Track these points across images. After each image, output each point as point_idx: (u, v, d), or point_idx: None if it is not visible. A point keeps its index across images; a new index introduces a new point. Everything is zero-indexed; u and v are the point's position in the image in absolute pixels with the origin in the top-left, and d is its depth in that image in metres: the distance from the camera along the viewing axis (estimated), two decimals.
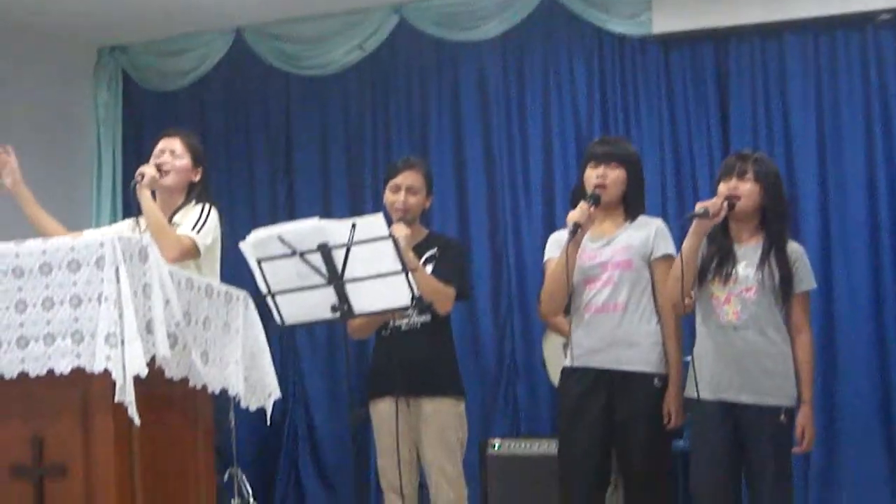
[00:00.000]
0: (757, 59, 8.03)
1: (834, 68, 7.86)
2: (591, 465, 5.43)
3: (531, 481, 7.09)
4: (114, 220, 8.78)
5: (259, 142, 9.34)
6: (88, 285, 3.98)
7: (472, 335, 8.36)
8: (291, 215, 8.64)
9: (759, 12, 7.89)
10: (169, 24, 9.06)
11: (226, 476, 7.31)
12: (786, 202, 5.48)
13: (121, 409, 3.90)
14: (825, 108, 7.84)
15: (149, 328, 4.03)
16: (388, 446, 5.57)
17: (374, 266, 4.53)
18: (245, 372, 4.65)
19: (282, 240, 4.55)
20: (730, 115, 8.08)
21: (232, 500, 6.85)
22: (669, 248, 5.45)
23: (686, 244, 5.25)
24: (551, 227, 7.31)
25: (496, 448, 7.38)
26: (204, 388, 4.41)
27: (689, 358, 5.38)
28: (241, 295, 4.72)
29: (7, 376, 4.03)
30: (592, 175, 5.50)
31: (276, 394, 4.85)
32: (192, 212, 5.48)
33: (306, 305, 4.67)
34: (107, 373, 3.88)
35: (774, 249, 5.25)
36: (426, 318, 5.66)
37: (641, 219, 5.55)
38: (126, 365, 3.88)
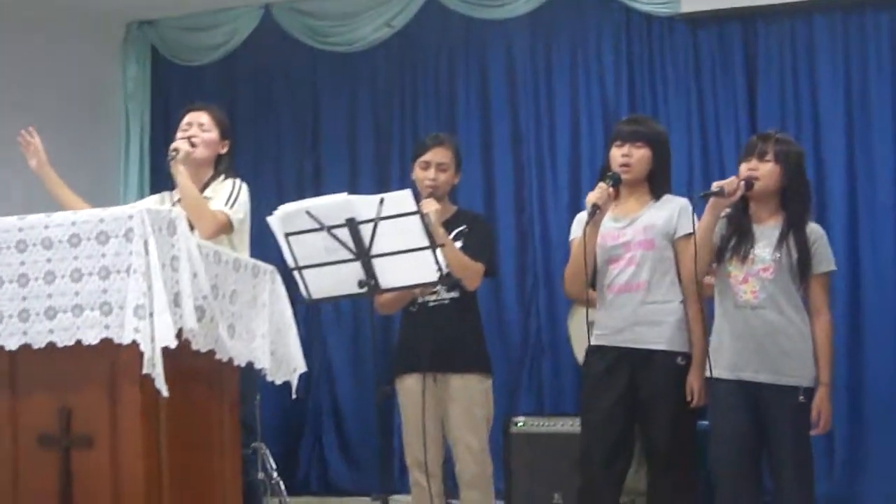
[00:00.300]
0: (785, 38, 8.01)
1: (863, 49, 7.83)
2: (611, 440, 5.42)
3: (555, 459, 7.10)
4: (141, 194, 8.82)
5: (286, 117, 9.36)
6: (117, 257, 4.00)
7: (496, 313, 8.37)
8: (318, 191, 8.64)
9: None
10: (198, 0, 9.07)
11: (250, 450, 7.33)
12: (807, 183, 5.43)
13: (148, 380, 3.93)
14: (853, 88, 7.81)
15: (176, 301, 4.04)
16: (414, 422, 5.57)
17: (402, 241, 4.54)
18: (271, 346, 4.66)
19: (310, 214, 4.56)
20: (757, 95, 8.06)
21: (256, 475, 6.86)
22: (692, 227, 5.43)
23: (701, 222, 5.25)
24: (577, 205, 7.28)
25: (520, 426, 7.39)
26: (230, 361, 4.42)
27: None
28: (268, 269, 4.72)
29: (35, 346, 4.06)
30: (617, 154, 5.49)
31: (302, 368, 4.86)
32: (222, 187, 5.50)
33: (333, 280, 4.68)
34: (134, 345, 3.90)
35: (793, 230, 5.22)
36: (454, 294, 5.67)
37: (666, 198, 5.52)
38: (154, 337, 3.90)
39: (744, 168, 5.28)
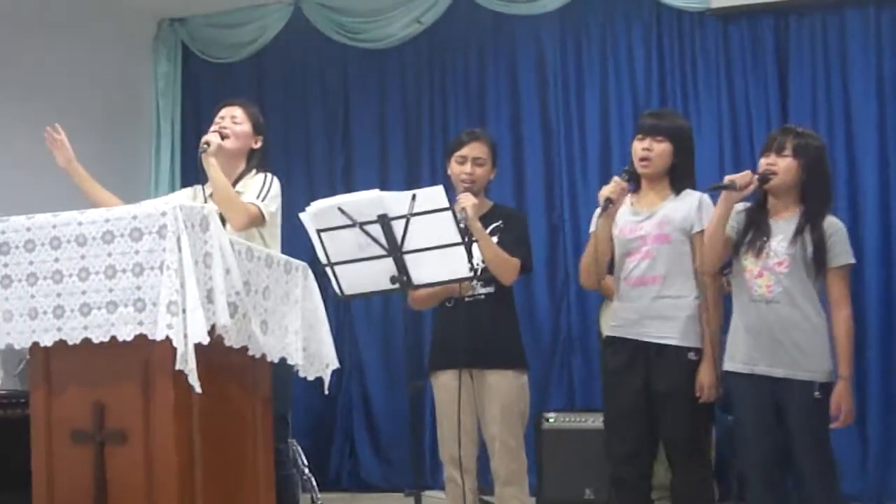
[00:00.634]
0: (817, 33, 7.99)
1: (894, 42, 7.79)
2: (633, 435, 5.41)
3: (586, 455, 7.10)
4: (172, 190, 8.82)
5: (317, 114, 9.38)
6: (150, 254, 4.01)
7: (527, 308, 8.36)
8: (348, 187, 8.66)
9: None
10: None
11: (285, 444, 7.35)
12: (827, 178, 5.37)
13: (181, 376, 3.94)
14: (886, 82, 7.78)
15: (209, 297, 4.05)
16: (449, 419, 5.56)
17: (434, 237, 4.55)
18: (303, 342, 4.67)
19: (342, 211, 4.57)
20: (789, 89, 8.04)
21: (290, 469, 6.88)
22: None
23: (713, 215, 5.24)
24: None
25: (551, 422, 7.39)
26: (263, 357, 4.44)
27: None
28: (300, 265, 4.74)
29: (70, 342, 4.08)
30: (638, 147, 5.49)
31: (335, 364, 4.87)
32: (253, 181, 5.50)
33: (365, 276, 4.70)
34: (168, 341, 3.91)
35: (810, 224, 5.18)
36: (490, 289, 5.66)
37: (686, 193, 5.51)
38: (187, 333, 3.91)
39: (762, 162, 5.27)
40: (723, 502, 6.98)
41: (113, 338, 4.02)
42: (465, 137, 5.79)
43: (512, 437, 5.60)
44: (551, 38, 8.71)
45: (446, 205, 4.55)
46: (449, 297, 5.65)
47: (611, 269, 5.63)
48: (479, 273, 5.61)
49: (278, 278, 4.57)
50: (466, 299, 5.62)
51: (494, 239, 5.59)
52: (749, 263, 5.24)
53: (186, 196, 5.66)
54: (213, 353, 4.06)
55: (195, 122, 9.22)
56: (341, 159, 9.27)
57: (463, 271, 4.72)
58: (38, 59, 8.37)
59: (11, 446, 4.81)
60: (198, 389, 3.95)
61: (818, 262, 5.13)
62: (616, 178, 5.38)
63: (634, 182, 5.55)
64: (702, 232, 5.34)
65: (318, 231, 4.64)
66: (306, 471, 7.72)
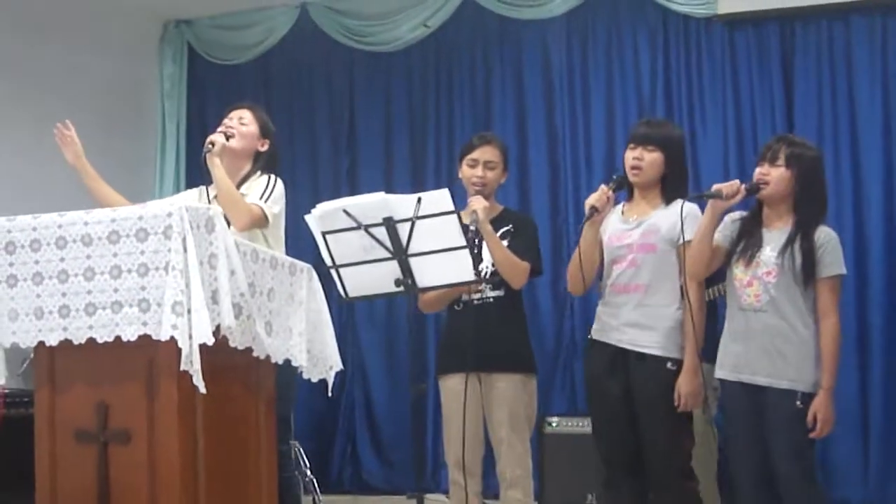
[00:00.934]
0: (823, 39, 7.99)
1: None
2: (619, 440, 5.46)
3: (588, 460, 7.08)
4: (177, 191, 8.83)
5: (322, 116, 9.39)
6: (156, 254, 4.02)
7: (531, 313, 8.25)
8: (353, 190, 8.68)
9: None
10: None
11: (287, 446, 7.35)
12: (821, 188, 5.37)
13: (185, 377, 3.95)
14: (891, 89, 7.77)
15: (214, 298, 4.06)
16: (456, 422, 5.57)
17: (439, 241, 4.56)
18: (308, 344, 4.69)
19: (347, 213, 4.59)
20: (794, 96, 8.04)
21: (293, 471, 6.89)
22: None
23: (700, 223, 5.26)
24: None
25: (554, 426, 7.39)
26: (267, 358, 4.45)
27: None
28: (304, 267, 4.75)
29: (75, 342, 4.08)
30: (629, 156, 5.54)
31: (338, 366, 4.89)
32: (258, 182, 5.51)
33: (370, 279, 4.71)
34: (172, 341, 3.92)
35: (801, 234, 5.19)
36: (499, 292, 5.69)
37: (677, 202, 5.53)
38: (192, 334, 3.92)
39: (756, 172, 5.29)
40: None
41: (117, 338, 4.03)
42: (477, 141, 5.82)
43: (519, 441, 5.62)
44: (557, 42, 8.71)
45: (451, 208, 4.57)
46: (458, 300, 5.67)
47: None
48: (488, 276, 5.63)
49: (283, 280, 4.59)
50: (475, 302, 5.64)
51: (505, 243, 5.62)
52: (739, 272, 5.27)
53: (192, 197, 5.67)
54: (218, 354, 4.07)
55: (200, 123, 9.24)
56: (346, 161, 9.27)
57: (468, 275, 4.73)
58: (44, 59, 8.39)
59: (15, 445, 4.83)
60: (202, 390, 3.96)
61: (807, 272, 5.13)
62: (603, 187, 5.45)
63: (626, 191, 5.61)
64: (689, 242, 5.36)
65: (324, 233, 4.65)
66: (308, 472, 7.73)
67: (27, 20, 8.30)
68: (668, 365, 5.36)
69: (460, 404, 5.47)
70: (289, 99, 9.42)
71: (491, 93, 8.91)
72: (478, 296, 5.65)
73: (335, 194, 6.51)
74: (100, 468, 4.14)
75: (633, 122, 8.19)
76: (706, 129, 8.14)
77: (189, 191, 5.90)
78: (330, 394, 5.01)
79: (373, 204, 4.62)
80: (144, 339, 4.01)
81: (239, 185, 5.50)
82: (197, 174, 6.11)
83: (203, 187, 5.65)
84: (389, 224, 4.57)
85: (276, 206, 5.41)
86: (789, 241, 5.17)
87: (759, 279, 5.19)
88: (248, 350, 4.32)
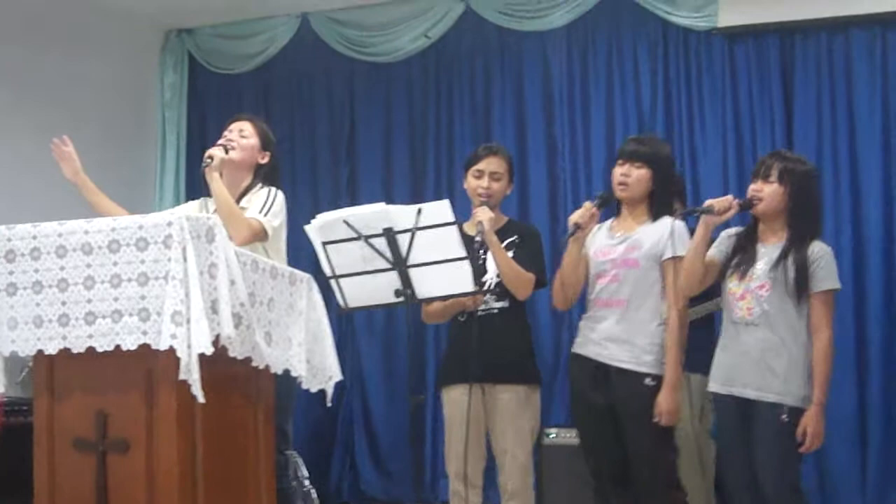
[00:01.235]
0: (822, 53, 7.98)
1: None
2: (604, 453, 5.52)
3: (587, 471, 7.08)
4: (177, 201, 8.85)
5: (322, 127, 9.38)
6: (156, 264, 4.03)
7: (530, 324, 8.34)
8: (353, 200, 8.68)
9: (824, 7, 7.85)
10: (235, 8, 9.14)
11: (284, 456, 7.34)
12: (815, 203, 5.42)
13: (184, 386, 3.96)
14: (891, 103, 7.77)
15: (214, 308, 4.07)
16: (458, 433, 5.59)
17: (439, 252, 4.58)
18: (307, 354, 4.69)
19: (347, 223, 4.60)
20: (794, 109, 8.04)
21: (290, 481, 6.89)
22: (680, 249, 5.43)
23: (693, 238, 5.31)
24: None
25: (552, 437, 7.39)
26: (266, 368, 4.45)
27: None
28: (304, 277, 4.75)
29: (75, 351, 4.10)
30: (617, 172, 5.61)
31: (338, 377, 4.89)
32: (258, 195, 5.52)
33: (370, 289, 4.73)
34: (172, 351, 3.93)
35: (794, 249, 5.21)
36: (504, 303, 5.71)
37: (664, 219, 5.55)
38: (191, 343, 3.93)
39: (750, 188, 5.32)
40: None
41: (117, 347, 4.03)
42: (483, 152, 5.84)
43: (522, 452, 5.65)
44: (557, 54, 8.71)
45: (452, 219, 4.58)
46: (462, 311, 5.68)
47: None
48: (492, 287, 5.65)
49: (283, 290, 4.59)
50: (479, 313, 5.65)
51: (510, 254, 5.63)
52: (733, 285, 5.30)
53: (195, 208, 5.68)
54: (217, 364, 4.08)
55: (201, 132, 9.26)
56: (346, 171, 9.26)
57: (467, 286, 4.75)
58: (45, 67, 8.39)
59: (14, 454, 4.83)
60: (201, 399, 3.97)
61: (799, 287, 5.15)
62: (587, 204, 5.52)
63: (615, 206, 5.67)
64: (672, 259, 5.41)
65: (324, 243, 4.66)
66: (307, 482, 7.70)
67: (27, 28, 8.30)
68: (647, 380, 5.39)
69: (463, 415, 5.49)
70: (289, 109, 9.42)
71: (491, 104, 8.91)
72: (482, 307, 5.67)
73: (335, 204, 6.54)
74: (98, 477, 4.15)
75: (632, 134, 8.23)
76: (706, 141, 8.14)
77: (190, 202, 5.91)
78: (329, 404, 5.01)
79: (373, 214, 4.63)
80: (144, 348, 4.02)
81: (239, 198, 5.51)
82: (197, 184, 6.12)
83: (204, 199, 5.66)
84: (389, 235, 4.58)
85: (275, 219, 5.42)
86: (783, 255, 5.19)
87: (752, 293, 5.22)
88: (248, 360, 4.32)
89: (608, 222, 5.69)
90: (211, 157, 5.42)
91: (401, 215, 4.59)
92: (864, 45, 7.86)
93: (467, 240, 5.33)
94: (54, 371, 4.25)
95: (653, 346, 5.42)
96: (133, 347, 4.03)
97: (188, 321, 3.95)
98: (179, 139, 9.44)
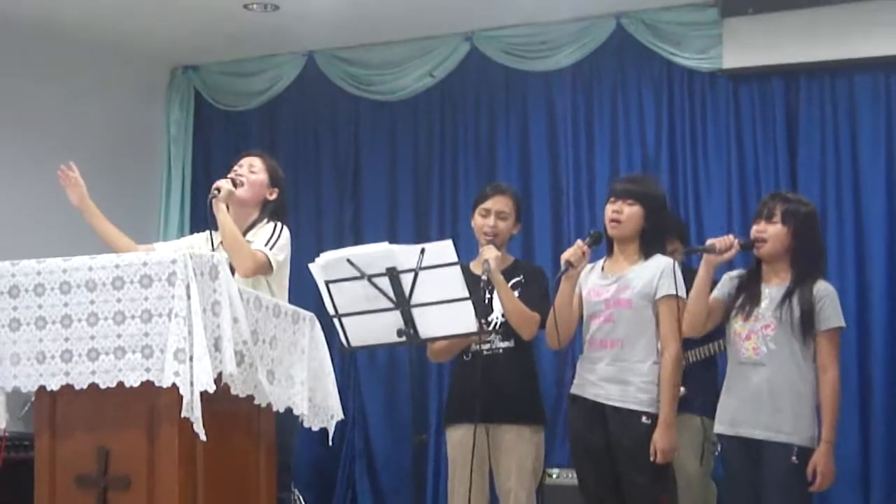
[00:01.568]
0: (827, 96, 8.00)
1: None
2: (606, 493, 5.51)
3: None
4: (181, 236, 8.84)
5: (327, 164, 9.40)
6: (159, 301, 4.03)
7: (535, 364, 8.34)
8: (357, 238, 8.70)
9: (829, 50, 7.87)
10: (242, 46, 9.17)
11: (287, 494, 7.33)
12: (818, 243, 5.46)
13: (187, 424, 3.95)
14: (895, 146, 7.78)
15: (217, 345, 4.07)
16: (461, 474, 5.59)
17: (442, 292, 4.58)
18: (309, 392, 4.68)
19: (350, 262, 4.61)
20: (798, 151, 8.05)
21: None
22: (673, 288, 5.44)
23: (697, 277, 5.33)
24: None
25: (554, 477, 7.38)
26: (268, 406, 4.45)
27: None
28: (307, 315, 4.75)
29: (77, 387, 4.09)
30: (609, 210, 5.62)
31: (339, 415, 4.89)
32: (264, 230, 5.53)
33: (372, 328, 4.73)
34: (174, 388, 3.93)
35: (798, 288, 5.23)
36: (509, 343, 5.72)
37: (655, 258, 5.57)
38: (194, 381, 3.93)
39: (753, 230, 5.34)
40: None
41: (119, 383, 4.03)
42: (490, 191, 5.87)
43: (524, 493, 5.66)
44: (563, 94, 8.73)
45: (455, 259, 4.59)
46: (467, 350, 5.68)
47: None
48: (498, 326, 5.66)
49: (286, 328, 4.59)
50: (484, 353, 5.65)
51: (516, 293, 5.64)
52: (738, 326, 5.32)
53: (200, 241, 5.70)
54: (219, 402, 4.08)
55: (206, 169, 9.28)
56: (350, 210, 9.27)
57: (470, 326, 4.75)
58: (51, 103, 8.44)
59: (15, 489, 4.82)
60: (203, 437, 3.96)
61: (805, 326, 5.17)
62: (578, 242, 5.56)
63: (606, 246, 5.70)
64: (665, 298, 5.44)
65: (327, 282, 4.67)
66: None
67: (34, 63, 8.35)
68: (643, 419, 5.40)
69: (467, 457, 5.49)
70: (294, 146, 9.44)
71: (496, 143, 8.92)
72: (487, 346, 5.68)
73: (339, 243, 6.54)
74: None
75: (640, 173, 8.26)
76: (710, 182, 8.15)
77: (197, 235, 5.92)
78: (331, 443, 5.01)
79: (376, 254, 4.64)
80: (146, 385, 4.02)
81: (245, 233, 5.52)
82: (201, 219, 6.13)
83: (209, 232, 5.67)
84: (393, 274, 4.59)
85: (281, 253, 5.43)
86: (787, 295, 5.21)
87: (758, 332, 5.23)
88: (250, 398, 4.32)
89: (600, 262, 5.70)
90: (218, 189, 5.44)
91: (404, 255, 4.59)
92: (868, 89, 7.88)
93: (473, 279, 5.36)
94: (56, 407, 4.25)
95: (648, 385, 5.43)
96: (136, 384, 4.02)
97: (191, 358, 3.95)
98: (185, 175, 9.46)
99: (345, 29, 8.73)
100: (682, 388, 5.59)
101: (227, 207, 5.45)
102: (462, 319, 4.69)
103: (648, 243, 5.59)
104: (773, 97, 8.12)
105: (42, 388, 4.16)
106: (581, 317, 5.68)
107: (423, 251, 4.56)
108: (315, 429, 4.81)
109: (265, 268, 5.38)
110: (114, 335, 4.06)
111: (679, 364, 5.45)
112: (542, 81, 8.76)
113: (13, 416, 4.52)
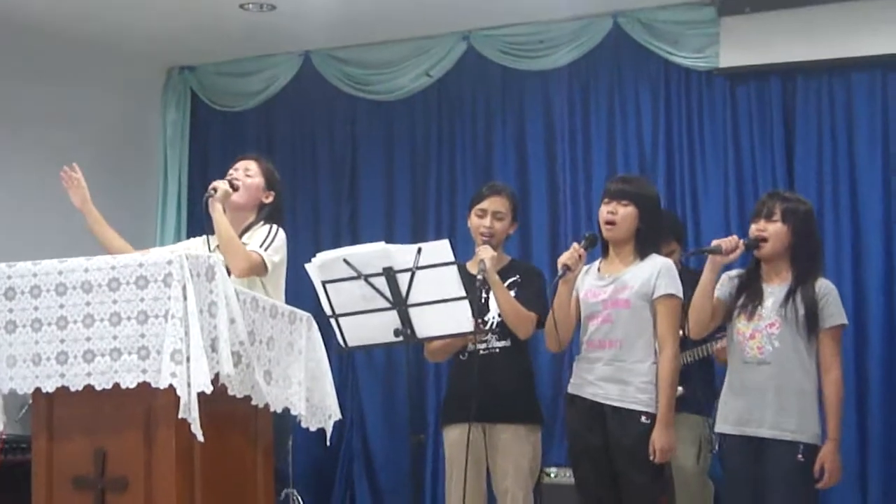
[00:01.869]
0: (823, 95, 7.99)
1: None
2: (604, 492, 5.51)
3: None
4: (178, 238, 8.86)
5: (324, 164, 9.39)
6: (156, 302, 4.03)
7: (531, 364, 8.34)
8: (354, 238, 8.69)
9: (826, 49, 7.86)
10: (238, 46, 9.16)
11: (282, 496, 7.33)
12: (817, 240, 5.50)
13: (184, 425, 3.95)
14: (891, 145, 7.77)
15: (213, 346, 4.07)
16: (458, 474, 5.59)
17: (439, 291, 4.59)
18: (307, 393, 4.68)
19: (347, 262, 4.61)
20: (795, 150, 8.04)
21: None
22: (670, 288, 5.46)
23: (701, 279, 5.35)
24: None
25: (552, 476, 7.37)
26: (266, 407, 4.44)
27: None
28: (304, 316, 4.74)
29: (73, 389, 4.09)
30: (604, 211, 5.62)
31: (337, 416, 4.88)
32: (259, 231, 5.53)
33: (369, 328, 4.73)
34: (171, 389, 3.92)
35: (801, 287, 5.25)
36: (506, 342, 5.73)
37: (651, 258, 5.57)
38: (191, 382, 3.92)
39: (752, 229, 5.34)
40: None
41: (116, 385, 4.02)
42: (486, 191, 5.88)
43: (521, 492, 5.68)
44: (559, 93, 8.71)
45: (452, 259, 4.60)
46: (463, 350, 5.69)
47: None
48: (494, 326, 5.66)
49: (283, 329, 4.59)
50: (481, 352, 5.66)
51: (512, 293, 5.64)
52: (741, 325, 5.33)
53: (198, 244, 5.69)
54: (216, 402, 4.07)
55: (203, 169, 9.27)
56: (347, 209, 9.26)
57: (466, 325, 4.75)
58: (47, 104, 8.42)
59: (12, 492, 4.82)
60: (200, 438, 3.96)
61: (810, 324, 5.19)
62: (575, 245, 5.55)
63: (601, 248, 5.70)
64: (662, 297, 5.45)
65: (324, 282, 4.67)
66: None
67: (29, 64, 8.34)
68: (642, 419, 5.40)
69: (463, 457, 5.48)
70: (291, 146, 9.43)
71: (493, 143, 8.91)
72: (484, 346, 5.68)
73: (336, 243, 6.53)
74: None
75: (633, 173, 8.24)
76: (707, 181, 8.14)
77: (194, 239, 5.92)
78: (328, 443, 5.00)
79: (373, 254, 4.64)
80: (143, 386, 4.01)
81: (241, 235, 5.51)
82: (198, 220, 6.13)
83: (206, 237, 5.67)
84: (389, 274, 4.59)
85: (276, 255, 5.42)
86: (790, 294, 5.23)
87: (762, 331, 5.25)
88: (247, 398, 4.32)
89: (596, 263, 5.70)
90: (215, 189, 5.44)
91: (401, 254, 4.60)
92: (864, 87, 7.87)
93: (470, 279, 5.36)
94: (53, 409, 4.25)
95: (647, 385, 5.43)
96: (132, 385, 4.02)
97: (188, 359, 3.94)
98: (181, 176, 9.45)
99: (341, 28, 8.72)
100: (680, 388, 5.60)
101: (224, 209, 5.45)
102: (459, 319, 4.69)
103: (644, 243, 5.59)
104: (770, 96, 8.11)
105: (38, 391, 4.15)
106: (579, 319, 5.68)
107: (419, 251, 4.56)
108: (313, 429, 4.80)
109: (260, 268, 5.37)
110: (110, 336, 4.05)
111: (677, 364, 5.45)
112: (538, 81, 8.75)
113: (10, 418, 4.52)
